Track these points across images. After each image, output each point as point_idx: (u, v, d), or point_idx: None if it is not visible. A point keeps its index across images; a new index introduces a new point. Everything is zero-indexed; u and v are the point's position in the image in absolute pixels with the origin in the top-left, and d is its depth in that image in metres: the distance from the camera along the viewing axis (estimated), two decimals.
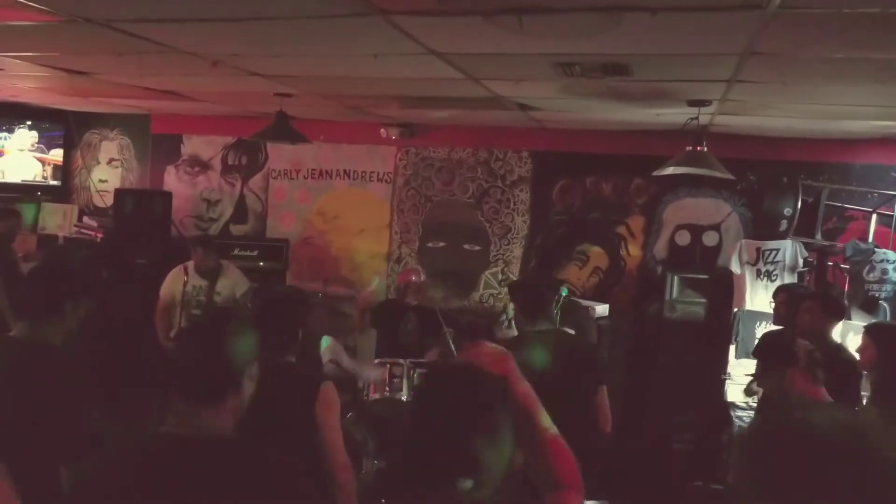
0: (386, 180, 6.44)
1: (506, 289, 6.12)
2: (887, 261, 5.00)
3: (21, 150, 6.83)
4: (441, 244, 6.31)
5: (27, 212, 6.74)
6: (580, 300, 5.43)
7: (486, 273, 6.23)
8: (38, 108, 6.74)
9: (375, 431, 4.43)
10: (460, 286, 6.23)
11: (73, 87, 5.16)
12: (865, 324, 3.86)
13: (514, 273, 6.15)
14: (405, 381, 4.43)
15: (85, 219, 7.02)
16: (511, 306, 4.22)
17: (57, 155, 7.13)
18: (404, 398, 4.39)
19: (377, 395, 4.38)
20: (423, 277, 5.34)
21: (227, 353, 1.64)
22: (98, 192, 7.30)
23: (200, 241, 5.14)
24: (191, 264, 5.00)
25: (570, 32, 2.64)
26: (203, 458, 1.54)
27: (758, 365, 3.17)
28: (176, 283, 4.99)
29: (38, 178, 7.00)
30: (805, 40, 2.60)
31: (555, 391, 2.87)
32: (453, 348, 4.47)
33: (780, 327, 4.24)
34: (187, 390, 1.62)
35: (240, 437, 1.64)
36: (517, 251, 6.15)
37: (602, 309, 5.33)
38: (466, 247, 6.24)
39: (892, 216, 5.18)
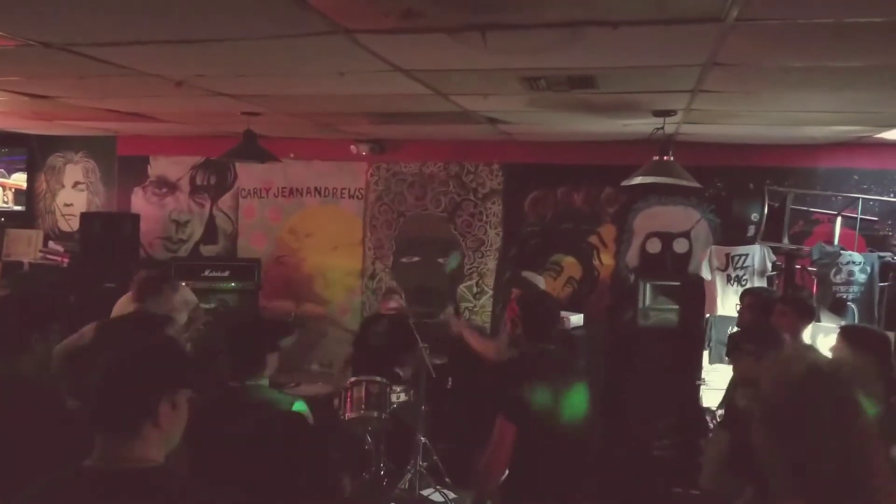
0: (357, 196, 6.42)
1: (484, 301, 6.13)
2: (853, 262, 5.10)
3: None
4: (415, 259, 6.30)
5: None
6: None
7: (461, 286, 6.22)
8: None
9: (352, 449, 4.39)
10: (435, 301, 6.21)
11: (35, 111, 5.06)
12: (835, 325, 3.93)
13: (489, 286, 6.16)
14: (382, 398, 4.39)
15: (50, 244, 6.88)
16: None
17: (18, 179, 6.97)
18: (381, 416, 4.36)
19: (354, 414, 4.34)
20: (402, 299, 5.29)
21: (137, 381, 1.58)
22: (63, 216, 7.15)
23: (143, 263, 5.01)
24: None
25: (534, 47, 2.66)
26: (125, 492, 1.49)
27: (744, 351, 3.07)
28: (130, 307, 4.86)
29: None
30: (764, 51, 2.65)
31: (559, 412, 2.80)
32: (429, 363, 4.47)
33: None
34: (101, 421, 1.56)
35: (166, 467, 1.59)
36: (491, 264, 6.16)
37: (577, 318, 5.35)
38: (440, 261, 6.23)
39: (856, 218, 5.29)
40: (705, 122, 4.39)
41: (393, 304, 5.12)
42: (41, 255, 6.72)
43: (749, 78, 3.15)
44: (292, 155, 6.23)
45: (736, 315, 5.13)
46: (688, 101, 3.72)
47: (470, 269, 6.21)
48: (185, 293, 5.02)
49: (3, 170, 6.85)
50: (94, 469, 1.52)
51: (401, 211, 6.32)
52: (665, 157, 4.29)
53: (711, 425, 4.52)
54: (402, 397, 4.55)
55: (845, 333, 3.29)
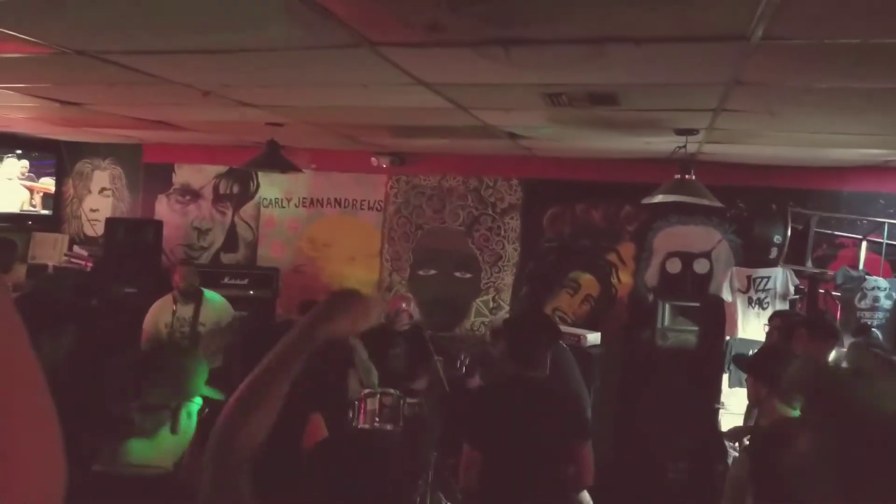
0: (377, 208, 6.45)
1: (500, 316, 6.10)
2: (878, 288, 5.01)
3: (10, 180, 6.82)
4: (432, 272, 6.30)
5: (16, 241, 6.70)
6: (571, 328, 5.39)
7: (477, 301, 6.21)
8: (30, 137, 6.75)
9: (364, 463, 4.37)
10: (451, 314, 6.21)
11: (65, 118, 5.17)
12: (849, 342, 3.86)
13: (506, 301, 6.14)
14: (396, 411, 4.38)
15: (75, 248, 7.00)
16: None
17: (47, 184, 7.12)
18: (394, 429, 4.34)
19: (367, 426, 4.33)
20: (412, 305, 5.31)
21: (159, 389, 1.59)
22: (89, 221, 7.28)
23: (182, 262, 5.14)
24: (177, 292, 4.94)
25: (557, 63, 2.66)
26: (137, 498, 1.49)
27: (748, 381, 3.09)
28: (164, 311, 4.93)
29: (26, 207, 6.97)
30: (789, 70, 2.63)
31: (529, 446, 2.79)
32: (443, 377, 4.45)
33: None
34: (119, 427, 1.56)
35: (187, 471, 1.59)
36: (508, 279, 6.14)
37: (594, 337, 5.30)
38: (457, 274, 6.23)
39: (881, 243, 5.20)
40: (728, 141, 4.35)
41: (403, 306, 5.11)
42: (66, 258, 6.84)
43: (773, 98, 3.13)
44: (314, 166, 6.30)
45: (756, 338, 5.07)
46: (710, 120, 3.70)
47: (487, 283, 6.20)
48: (217, 304, 5.03)
49: (32, 174, 7.00)
50: (106, 474, 1.52)
51: (419, 224, 6.34)
52: (687, 176, 4.26)
53: (731, 450, 4.44)
54: (416, 410, 4.53)
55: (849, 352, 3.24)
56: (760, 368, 2.83)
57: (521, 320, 3.55)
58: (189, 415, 1.63)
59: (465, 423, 2.96)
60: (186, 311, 4.88)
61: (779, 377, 2.72)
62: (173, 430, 1.58)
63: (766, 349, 3.60)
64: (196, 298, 4.91)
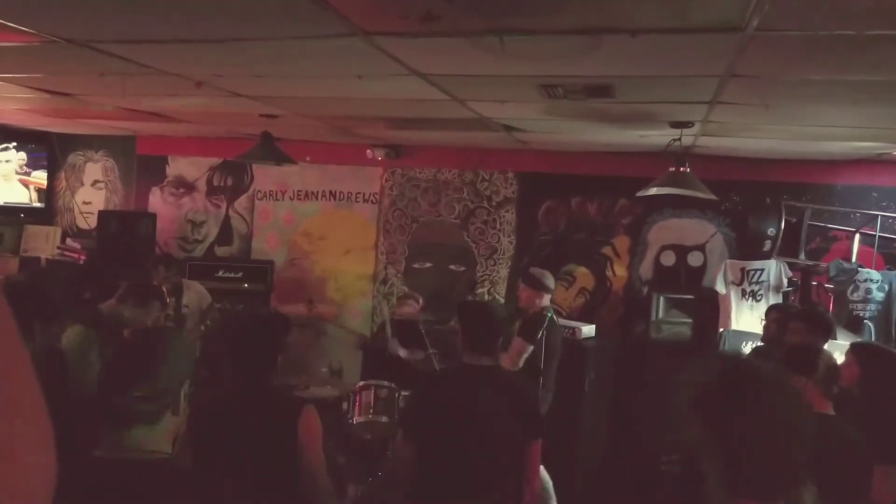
0: (372, 201, 6.44)
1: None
2: (871, 280, 5.04)
3: (5, 174, 6.78)
4: (427, 265, 6.30)
5: (8, 234, 6.68)
6: (566, 321, 5.39)
7: (473, 294, 6.20)
8: (22, 129, 6.70)
9: (360, 455, 4.37)
10: (446, 307, 6.20)
11: (57, 109, 5.14)
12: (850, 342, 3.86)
13: (501, 293, 6.14)
14: (391, 403, 4.38)
15: (68, 241, 6.96)
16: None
17: (39, 177, 7.08)
18: (389, 421, 4.34)
19: (362, 419, 4.33)
20: (418, 305, 5.29)
21: (160, 373, 1.60)
22: (82, 213, 7.24)
23: (162, 259, 5.15)
24: None
25: (552, 54, 2.66)
26: (141, 482, 1.50)
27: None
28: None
29: (24, 201, 6.93)
30: (783, 62, 2.64)
31: (480, 440, 2.53)
32: (437, 367, 4.45)
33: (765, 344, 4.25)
34: (121, 413, 1.57)
35: (179, 458, 1.61)
36: (503, 272, 6.15)
37: (588, 329, 5.31)
38: (452, 267, 6.23)
39: (874, 236, 5.22)
40: (723, 134, 4.36)
41: (407, 310, 5.10)
42: (58, 251, 6.80)
43: (767, 90, 3.13)
44: (308, 158, 6.27)
45: (749, 330, 5.10)
46: (705, 113, 3.70)
47: (482, 276, 6.20)
48: (197, 287, 5.09)
49: (28, 168, 6.97)
50: (107, 459, 1.53)
51: (414, 216, 6.33)
52: (681, 169, 4.27)
53: None
54: None
55: (855, 350, 3.24)
56: (798, 361, 2.75)
57: (472, 305, 3.43)
58: (185, 396, 1.64)
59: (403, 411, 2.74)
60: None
61: (816, 367, 2.67)
62: (175, 412, 1.60)
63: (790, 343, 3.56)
64: (177, 289, 4.97)
